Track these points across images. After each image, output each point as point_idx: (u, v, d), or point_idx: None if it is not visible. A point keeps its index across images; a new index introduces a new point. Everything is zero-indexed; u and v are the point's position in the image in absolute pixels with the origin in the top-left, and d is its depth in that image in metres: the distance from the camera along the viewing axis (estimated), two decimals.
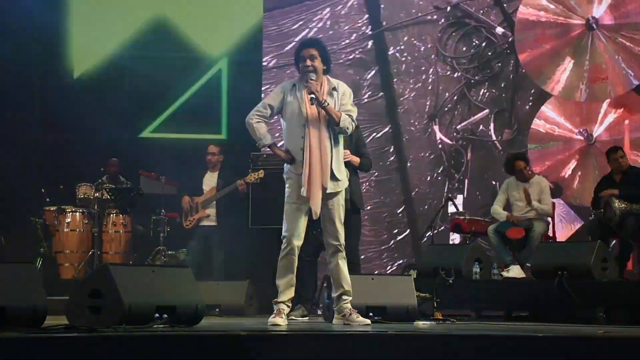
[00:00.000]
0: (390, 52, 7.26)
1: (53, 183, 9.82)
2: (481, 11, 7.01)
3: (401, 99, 7.43)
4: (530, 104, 7.16)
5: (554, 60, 6.98)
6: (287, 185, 5.81)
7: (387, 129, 7.32)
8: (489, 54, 7.11)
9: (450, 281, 7.73)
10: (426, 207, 7.26)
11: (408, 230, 7.33)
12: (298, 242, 5.74)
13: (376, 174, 7.35)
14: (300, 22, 7.58)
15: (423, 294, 7.13)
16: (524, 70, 6.98)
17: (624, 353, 4.24)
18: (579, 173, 6.91)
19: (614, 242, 8.52)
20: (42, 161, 10.71)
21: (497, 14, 6.96)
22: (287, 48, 7.38)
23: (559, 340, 4.40)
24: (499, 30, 7.11)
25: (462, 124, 7.16)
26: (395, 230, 7.35)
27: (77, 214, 9.46)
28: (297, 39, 7.55)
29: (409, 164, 7.36)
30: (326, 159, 5.68)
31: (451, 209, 8.63)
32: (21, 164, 10.67)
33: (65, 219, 9.39)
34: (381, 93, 7.37)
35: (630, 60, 6.78)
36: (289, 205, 5.77)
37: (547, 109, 7.06)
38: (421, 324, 6.34)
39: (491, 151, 7.13)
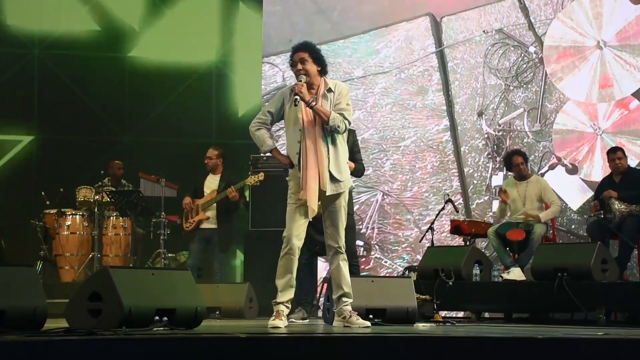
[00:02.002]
0: (449, 65, 9.34)
1: (53, 185, 9.81)
2: (518, 34, 9.17)
3: (457, 99, 9.37)
4: (554, 104, 8.98)
5: (573, 72, 8.93)
6: (289, 187, 5.80)
7: (446, 123, 9.37)
8: (524, 66, 9.14)
9: (450, 283, 7.72)
10: (475, 181, 9.23)
11: (461, 199, 9.25)
12: (298, 243, 5.71)
13: (438, 156, 9.37)
14: (383, 42, 9.52)
15: (423, 296, 7.12)
16: (550, 79, 9.00)
17: (624, 355, 4.22)
18: (590, 156, 8.74)
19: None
20: (43, 163, 10.71)
21: (530, 37, 9.05)
22: (374, 61, 9.65)
23: (559, 342, 4.38)
24: (532, 49, 9.07)
25: (503, 119, 9.07)
26: (452, 199, 9.16)
27: (77, 216, 9.38)
28: (380, 55, 9.63)
29: (462, 149, 9.35)
30: (322, 162, 5.65)
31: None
32: (21, 166, 10.69)
33: (65, 222, 9.33)
34: (442, 95, 9.39)
35: (630, 71, 8.73)
36: (290, 206, 5.74)
37: (567, 108, 8.89)
38: (421, 326, 6.32)
39: (524, 140, 9.18)
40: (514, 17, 9.26)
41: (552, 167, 9.07)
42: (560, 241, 9.09)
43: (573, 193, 8.80)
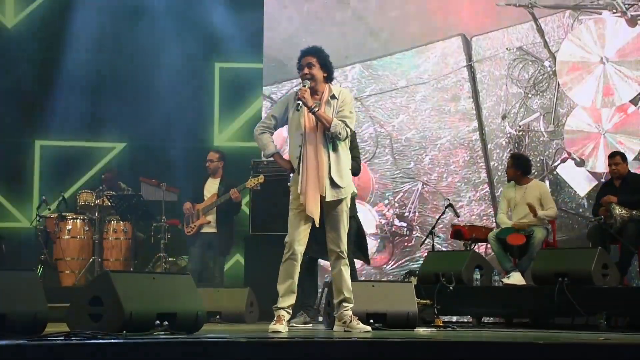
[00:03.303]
0: (477, 76, 10.99)
1: (54, 190, 9.81)
2: (535, 51, 10.78)
3: (484, 105, 10.93)
4: (565, 109, 10.45)
5: (580, 82, 10.37)
6: (291, 192, 5.79)
7: (475, 124, 10.96)
8: (540, 77, 10.70)
9: (451, 288, 7.70)
10: (499, 173, 10.56)
11: (487, 188, 10.71)
12: (300, 248, 5.70)
13: (468, 152, 10.90)
14: (423, 58, 11.22)
15: (423, 301, 7.11)
16: (562, 88, 10.49)
17: None
18: (595, 152, 10.13)
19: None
20: (43, 167, 10.72)
21: (545, 53, 10.65)
22: (415, 74, 11.18)
23: (560, 347, 4.38)
24: (547, 63, 10.64)
25: (523, 121, 10.56)
26: (479, 188, 10.76)
27: (78, 221, 9.37)
28: (420, 68, 11.20)
29: (488, 146, 10.91)
30: (322, 167, 5.64)
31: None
32: (21, 170, 10.69)
33: (66, 226, 9.31)
34: (471, 102, 11.02)
35: (628, 82, 10.14)
36: (292, 211, 5.73)
37: (576, 112, 10.30)
38: (422, 330, 6.31)
39: (540, 139, 10.63)
40: (532, 37, 10.91)
41: (563, 161, 10.23)
42: (563, 246, 9.17)
43: (581, 182, 10.30)
